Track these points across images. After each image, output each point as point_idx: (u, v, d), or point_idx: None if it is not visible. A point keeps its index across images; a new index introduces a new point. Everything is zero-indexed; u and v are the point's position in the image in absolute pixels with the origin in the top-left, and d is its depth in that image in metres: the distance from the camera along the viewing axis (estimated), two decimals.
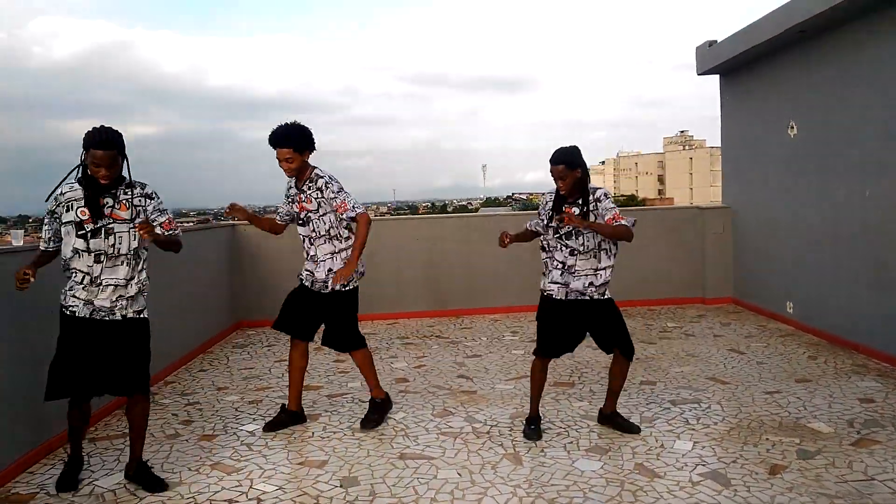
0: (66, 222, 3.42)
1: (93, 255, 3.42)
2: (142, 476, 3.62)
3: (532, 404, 4.35)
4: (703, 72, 8.49)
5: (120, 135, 3.40)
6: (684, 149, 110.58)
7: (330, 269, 4.33)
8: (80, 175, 3.44)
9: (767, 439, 4.04)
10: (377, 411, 4.52)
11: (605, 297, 4.20)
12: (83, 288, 3.43)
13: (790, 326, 6.99)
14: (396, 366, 6.03)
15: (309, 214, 4.32)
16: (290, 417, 4.52)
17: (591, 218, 4.03)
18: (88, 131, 3.38)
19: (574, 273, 4.11)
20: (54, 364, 3.50)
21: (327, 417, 4.69)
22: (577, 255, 4.10)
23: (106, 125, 3.41)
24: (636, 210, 10.16)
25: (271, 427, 4.44)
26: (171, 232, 3.62)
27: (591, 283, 4.12)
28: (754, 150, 7.84)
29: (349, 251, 4.34)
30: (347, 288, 4.38)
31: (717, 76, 8.61)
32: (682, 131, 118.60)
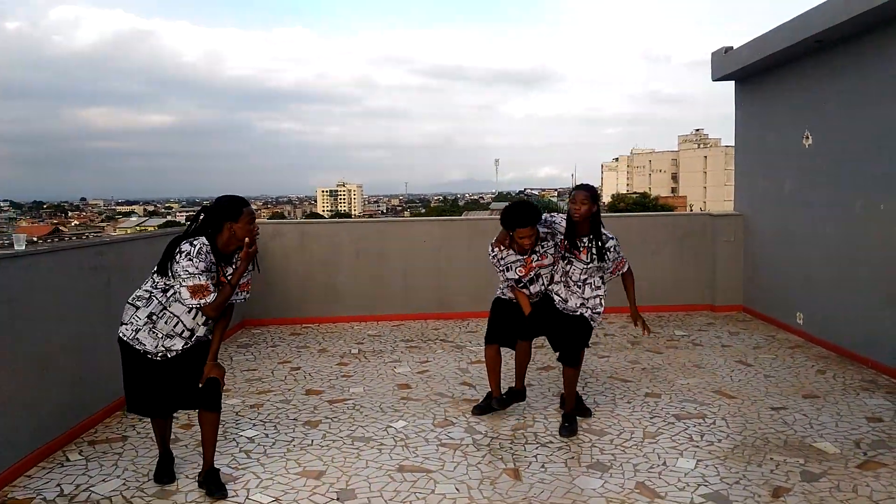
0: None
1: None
2: (210, 481, 3.65)
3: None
4: (718, 78, 8.38)
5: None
6: (699, 147, 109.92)
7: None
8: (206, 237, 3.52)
9: (772, 459, 3.98)
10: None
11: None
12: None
13: (799, 338, 6.90)
14: (399, 371, 6.00)
15: (541, 271, 4.64)
16: (499, 402, 4.77)
17: (545, 259, 4.60)
18: (236, 199, 3.55)
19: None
20: (133, 388, 3.64)
21: (328, 425, 4.66)
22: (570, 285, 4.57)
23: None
24: (648, 215, 10.08)
25: (480, 410, 4.82)
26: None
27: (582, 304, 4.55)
28: (768, 159, 7.74)
29: None
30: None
31: (733, 82, 8.50)
32: (697, 130, 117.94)
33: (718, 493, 3.56)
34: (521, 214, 4.43)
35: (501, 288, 4.84)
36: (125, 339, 3.55)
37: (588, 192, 4.42)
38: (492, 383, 4.81)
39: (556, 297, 4.61)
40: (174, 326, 3.53)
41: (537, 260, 4.60)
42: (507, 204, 4.66)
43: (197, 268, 3.38)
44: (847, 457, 3.99)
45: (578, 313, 4.55)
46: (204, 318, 3.58)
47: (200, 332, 3.62)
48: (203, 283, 3.40)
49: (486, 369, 4.83)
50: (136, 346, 3.53)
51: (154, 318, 3.51)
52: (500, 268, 4.67)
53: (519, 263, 4.61)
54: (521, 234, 4.42)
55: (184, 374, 3.61)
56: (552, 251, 4.61)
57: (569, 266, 4.53)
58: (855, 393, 5.15)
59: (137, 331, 3.52)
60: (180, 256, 3.40)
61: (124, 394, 3.66)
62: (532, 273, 4.62)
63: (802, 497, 3.50)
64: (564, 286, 4.57)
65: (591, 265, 4.46)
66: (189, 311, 3.53)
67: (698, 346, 6.67)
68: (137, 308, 3.54)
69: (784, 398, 5.06)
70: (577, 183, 4.71)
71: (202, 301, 3.43)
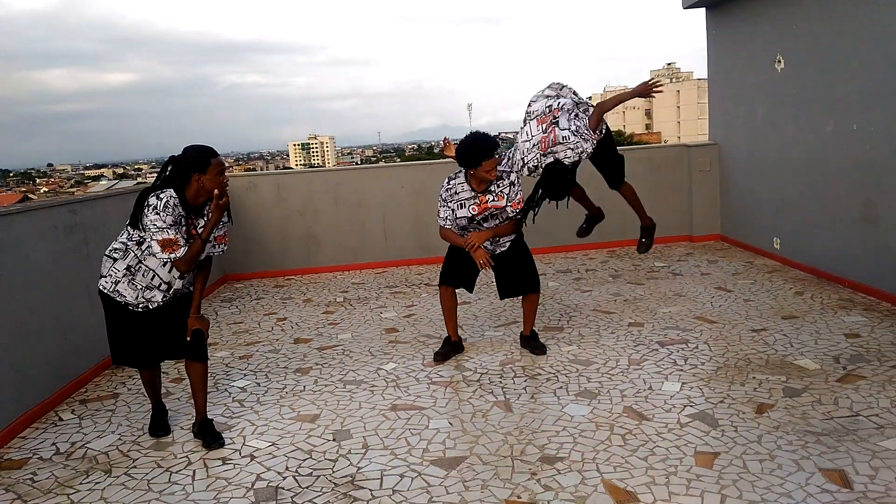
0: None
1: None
2: (204, 431, 3.68)
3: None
4: (688, 5, 8.29)
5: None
6: (671, 81, 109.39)
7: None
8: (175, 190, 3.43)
9: (754, 378, 4.08)
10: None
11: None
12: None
13: (777, 262, 7.02)
14: (386, 315, 6.03)
15: (495, 212, 4.45)
16: (453, 347, 4.84)
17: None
18: (205, 149, 3.46)
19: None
20: (117, 339, 3.63)
21: (318, 370, 4.70)
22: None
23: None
24: (623, 149, 10.05)
25: (442, 357, 4.74)
26: None
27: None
28: (741, 86, 7.73)
29: None
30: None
31: (703, 10, 8.42)
32: (668, 64, 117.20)
33: (704, 413, 3.66)
34: (484, 146, 4.20)
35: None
36: (105, 291, 3.52)
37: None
38: (448, 327, 4.81)
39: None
40: (151, 279, 3.50)
41: (493, 200, 4.40)
42: (461, 141, 4.31)
43: (164, 221, 3.33)
44: (827, 372, 4.11)
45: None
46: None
47: (178, 284, 3.59)
48: (171, 236, 3.35)
49: (443, 312, 4.80)
50: (117, 298, 3.51)
51: (132, 270, 3.48)
52: (452, 203, 4.44)
53: (473, 201, 4.41)
54: (488, 166, 4.21)
55: (167, 325, 3.60)
56: (507, 191, 4.38)
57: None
58: (833, 311, 5.27)
59: (117, 283, 3.49)
60: (148, 210, 3.34)
61: (109, 347, 3.65)
62: (486, 213, 4.44)
63: (786, 412, 3.61)
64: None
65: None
66: (164, 265, 3.49)
67: (678, 276, 6.77)
68: (115, 260, 3.50)
69: (764, 320, 5.17)
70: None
71: (172, 255, 3.39)
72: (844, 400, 3.70)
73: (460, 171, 4.45)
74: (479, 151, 4.20)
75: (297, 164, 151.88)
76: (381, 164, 12.97)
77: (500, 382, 4.28)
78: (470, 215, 4.46)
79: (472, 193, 4.41)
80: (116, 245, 3.53)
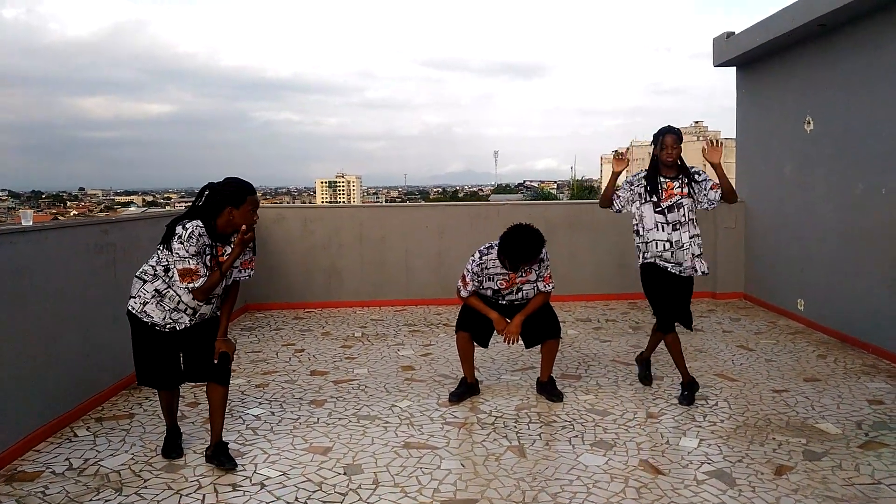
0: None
1: None
2: (219, 453, 3.68)
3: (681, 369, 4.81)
4: (719, 63, 8.38)
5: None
6: (698, 139, 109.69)
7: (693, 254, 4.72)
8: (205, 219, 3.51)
9: (774, 439, 4.01)
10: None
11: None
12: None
13: (800, 324, 6.93)
14: (403, 353, 6.03)
15: (521, 286, 4.58)
16: (469, 389, 4.80)
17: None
18: (243, 186, 3.54)
19: (682, 248, 4.67)
20: (143, 361, 3.67)
21: (333, 403, 4.69)
22: (679, 228, 4.65)
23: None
24: None
25: (457, 398, 4.70)
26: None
27: (692, 255, 4.70)
28: (769, 144, 7.76)
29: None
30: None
31: (734, 68, 8.50)
32: (696, 122, 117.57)
33: (722, 471, 3.59)
34: (527, 252, 4.27)
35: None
36: (133, 311, 3.57)
37: (676, 136, 4.64)
38: (465, 370, 4.79)
39: (666, 264, 4.69)
40: (177, 304, 3.56)
41: (521, 276, 4.54)
42: (509, 231, 4.32)
43: (187, 251, 3.40)
44: (849, 437, 4.02)
45: (687, 274, 4.69)
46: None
47: (204, 309, 3.64)
48: (192, 266, 3.42)
49: (459, 356, 4.78)
50: (144, 319, 3.56)
51: (160, 293, 3.54)
52: (482, 276, 4.56)
53: (501, 276, 4.54)
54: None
55: (193, 347, 3.66)
56: (536, 266, 4.51)
57: (672, 212, 4.64)
58: (856, 377, 5.18)
59: (145, 304, 3.55)
60: (173, 239, 3.43)
61: (135, 367, 3.69)
62: (513, 287, 4.58)
63: (805, 475, 3.53)
64: (672, 229, 4.64)
65: (687, 198, 4.65)
66: (189, 292, 3.55)
67: (700, 332, 6.70)
68: (145, 282, 3.57)
69: (785, 381, 5.09)
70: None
71: (191, 285, 3.46)
72: (866, 467, 3.62)
73: (493, 247, 4.50)
74: (520, 256, 4.29)
75: (323, 202, 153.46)
76: (406, 203, 13.04)
77: (515, 427, 4.24)
78: (497, 288, 4.59)
79: (503, 270, 4.50)
80: (146, 268, 3.60)
